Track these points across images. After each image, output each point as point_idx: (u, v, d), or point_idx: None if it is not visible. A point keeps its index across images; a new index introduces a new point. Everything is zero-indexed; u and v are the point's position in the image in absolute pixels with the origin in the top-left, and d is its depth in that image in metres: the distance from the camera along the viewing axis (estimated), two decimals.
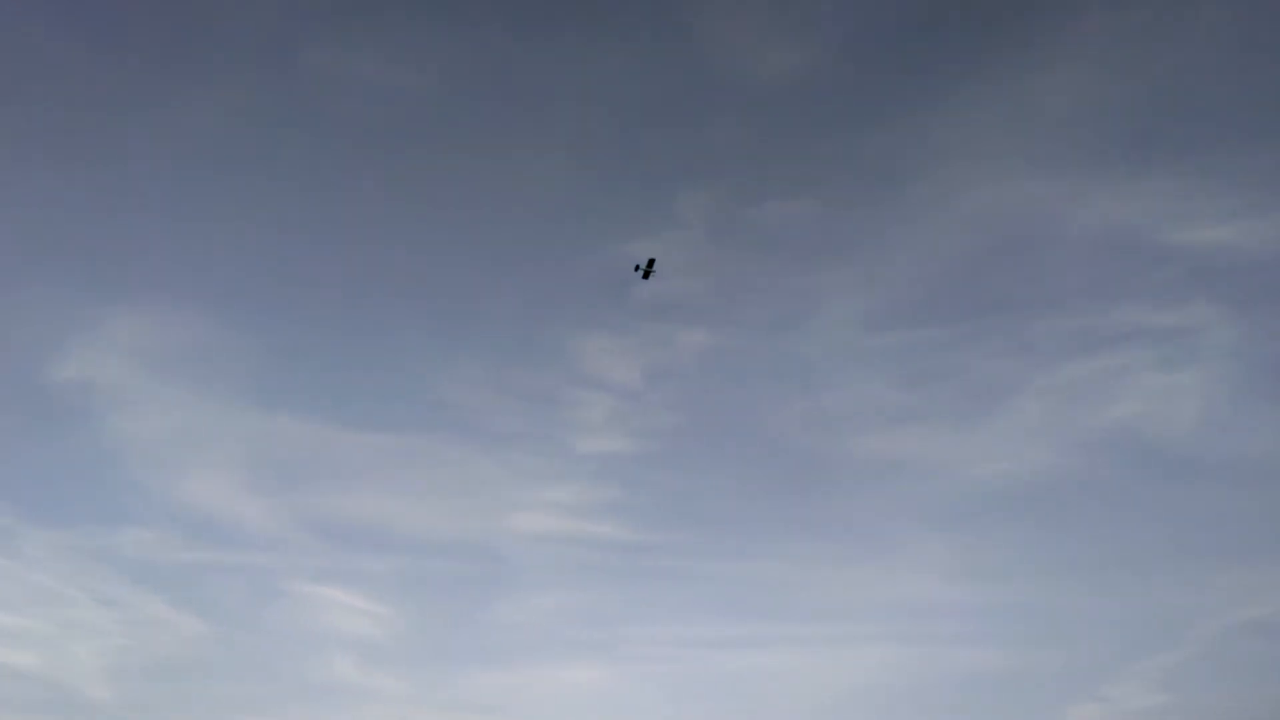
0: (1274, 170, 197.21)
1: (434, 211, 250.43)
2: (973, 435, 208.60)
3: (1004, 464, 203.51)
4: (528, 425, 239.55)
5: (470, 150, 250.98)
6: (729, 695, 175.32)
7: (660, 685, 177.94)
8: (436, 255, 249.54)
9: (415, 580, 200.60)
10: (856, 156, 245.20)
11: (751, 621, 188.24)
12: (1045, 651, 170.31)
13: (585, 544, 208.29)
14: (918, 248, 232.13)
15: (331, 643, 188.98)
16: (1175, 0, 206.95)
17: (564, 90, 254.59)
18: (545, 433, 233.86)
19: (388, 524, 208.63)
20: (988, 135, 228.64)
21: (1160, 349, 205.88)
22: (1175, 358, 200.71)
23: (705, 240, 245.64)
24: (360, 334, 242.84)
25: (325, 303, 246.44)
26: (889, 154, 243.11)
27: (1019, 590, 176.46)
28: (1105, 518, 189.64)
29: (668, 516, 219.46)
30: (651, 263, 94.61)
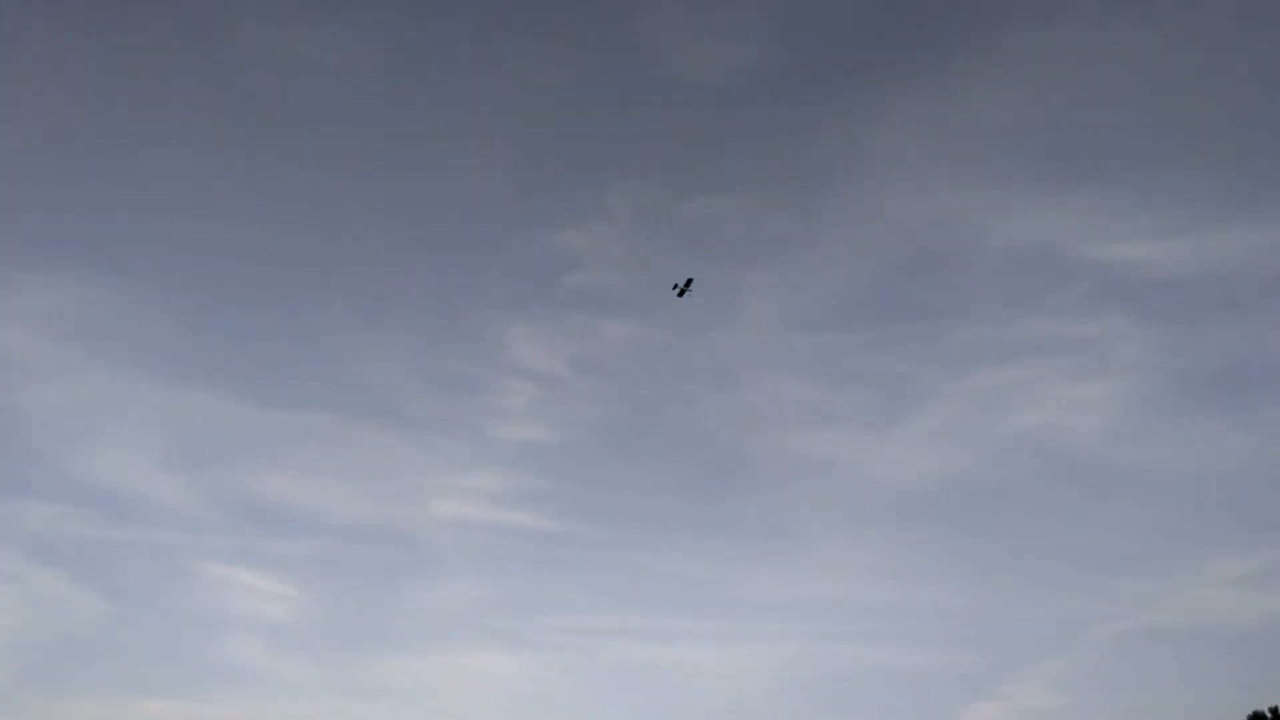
0: (1185, 191, 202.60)
1: (362, 193, 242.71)
2: (889, 438, 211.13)
3: (918, 467, 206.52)
4: (449, 410, 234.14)
5: (402, 134, 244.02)
6: (639, 687, 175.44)
7: (572, 675, 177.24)
8: (362, 236, 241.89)
9: (328, 564, 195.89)
10: (787, 158, 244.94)
11: (665, 614, 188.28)
12: (950, 650, 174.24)
13: (503, 532, 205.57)
14: (843, 252, 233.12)
15: (239, 625, 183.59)
16: (1096, 26, 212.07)
17: (500, 80, 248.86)
18: (466, 419, 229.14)
19: (302, 506, 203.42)
20: (915, 146, 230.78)
21: (1070, 360, 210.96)
22: (1084, 369, 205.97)
23: (635, 233, 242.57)
24: (281, 312, 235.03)
25: (246, 279, 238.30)
26: (819, 158, 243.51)
27: (927, 591, 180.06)
28: (1012, 523, 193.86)
29: (586, 507, 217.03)
30: (690, 282, 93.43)
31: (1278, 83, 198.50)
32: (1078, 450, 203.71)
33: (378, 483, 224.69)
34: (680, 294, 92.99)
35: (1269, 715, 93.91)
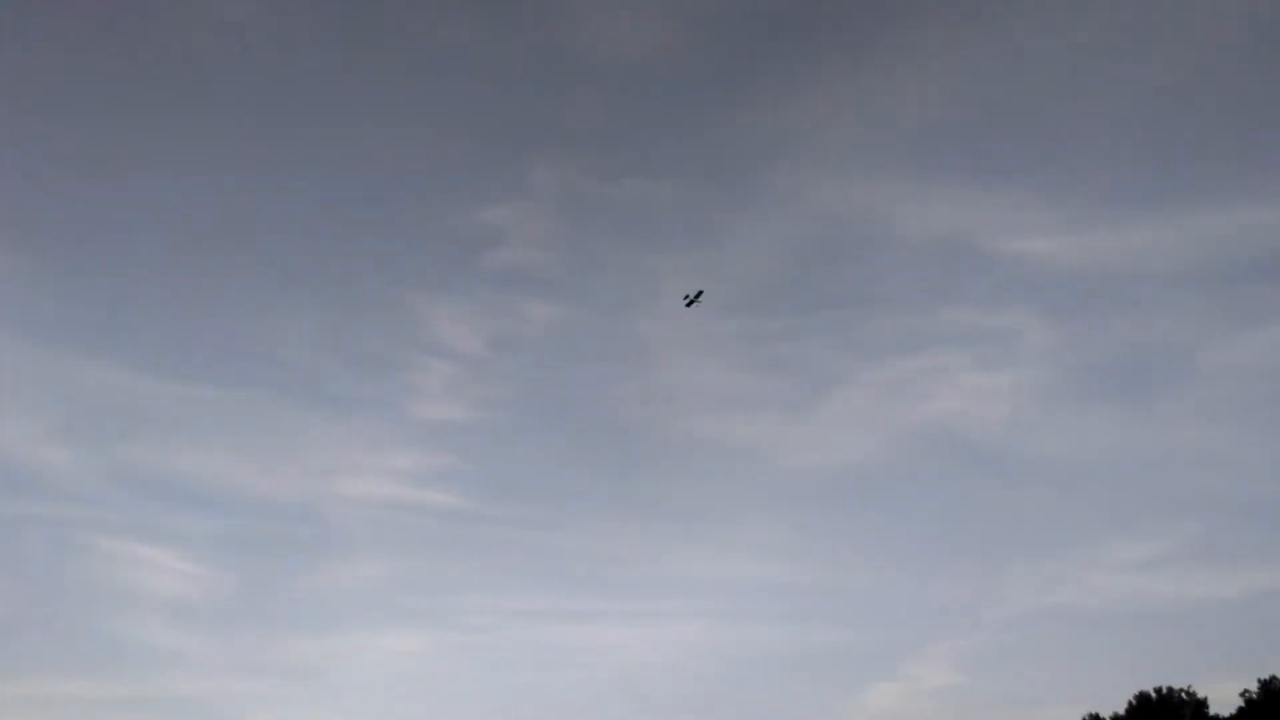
0: (1091, 188, 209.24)
1: (277, 163, 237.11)
2: (803, 423, 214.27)
3: (830, 452, 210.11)
4: (364, 388, 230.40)
5: (321, 104, 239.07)
6: (550, 666, 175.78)
7: (483, 654, 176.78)
8: (278, 207, 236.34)
9: (235, 541, 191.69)
10: (711, 144, 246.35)
11: (577, 594, 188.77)
12: (855, 630, 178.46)
13: (417, 512, 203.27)
14: (764, 239, 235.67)
15: (140, 602, 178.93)
16: (1011, 26, 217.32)
17: (425, 53, 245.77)
18: (382, 397, 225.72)
19: (208, 481, 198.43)
20: (836, 136, 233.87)
21: (978, 351, 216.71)
22: (991, 360, 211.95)
23: (557, 213, 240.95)
24: (188, 280, 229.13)
25: (151, 244, 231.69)
26: (742, 145, 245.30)
27: (835, 572, 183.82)
28: (919, 507, 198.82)
29: (502, 488, 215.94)
30: (700, 294, 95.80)
31: (1181, 87, 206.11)
32: (983, 438, 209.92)
33: (288, 459, 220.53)
34: (689, 304, 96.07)
35: (1153, 695, 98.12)
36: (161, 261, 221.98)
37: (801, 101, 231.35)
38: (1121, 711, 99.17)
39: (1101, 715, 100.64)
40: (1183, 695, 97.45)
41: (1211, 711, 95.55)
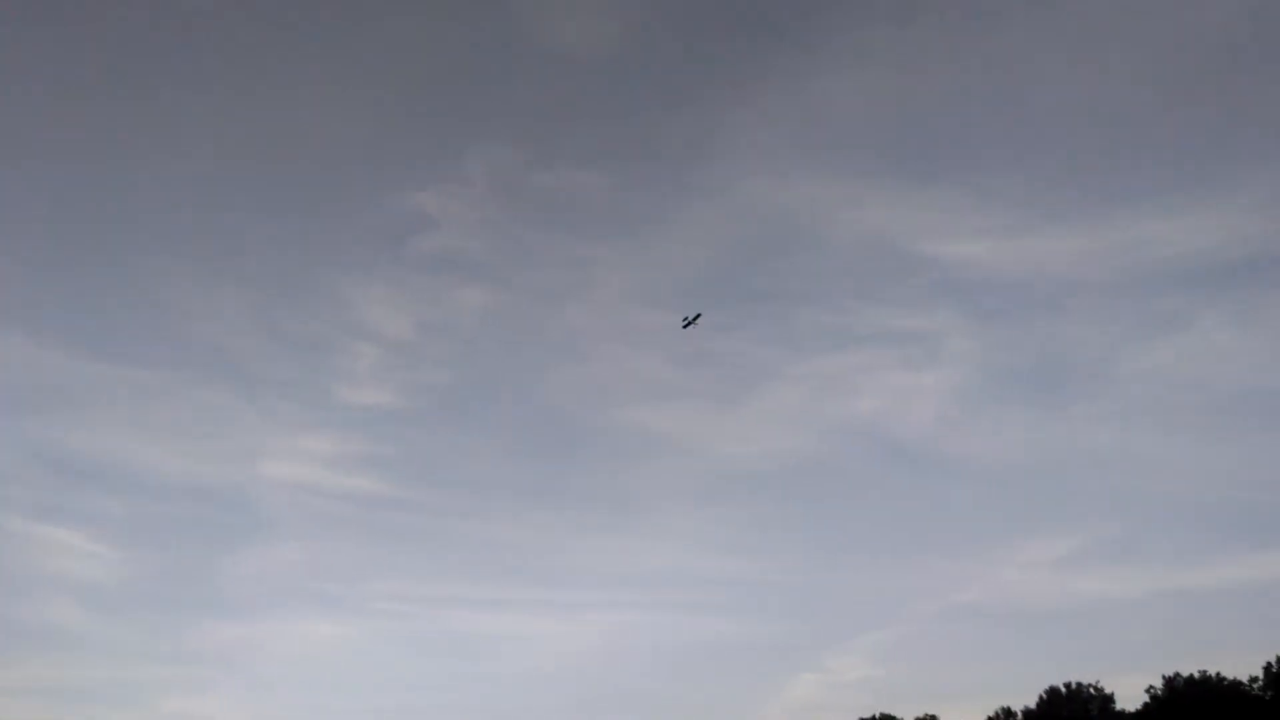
0: (1017, 196, 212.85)
1: (207, 139, 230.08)
2: (731, 416, 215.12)
3: (757, 446, 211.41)
4: (288, 370, 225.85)
5: (254, 82, 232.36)
6: (469, 655, 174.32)
7: (402, 643, 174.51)
8: (204, 183, 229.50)
9: (150, 523, 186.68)
10: (646, 136, 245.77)
11: (502, 583, 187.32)
12: (779, 623, 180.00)
13: (339, 496, 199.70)
14: (696, 232, 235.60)
15: (50, 585, 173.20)
16: (948, 31, 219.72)
17: (361, 36, 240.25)
18: (306, 379, 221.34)
19: (123, 462, 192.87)
20: (771, 133, 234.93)
21: (905, 350, 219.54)
22: (917, 360, 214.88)
23: (491, 199, 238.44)
24: (106, 255, 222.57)
25: (68, 219, 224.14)
26: (678, 138, 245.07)
27: (759, 565, 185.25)
28: (842, 503, 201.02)
29: (427, 475, 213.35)
30: (698, 316, 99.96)
31: (1111, 97, 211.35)
32: (907, 436, 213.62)
33: (208, 441, 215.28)
34: (686, 326, 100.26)
35: (1063, 690, 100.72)
36: (78, 236, 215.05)
37: (738, 99, 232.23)
38: (1032, 705, 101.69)
39: (1013, 709, 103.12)
40: (1091, 690, 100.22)
41: (1118, 706, 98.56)
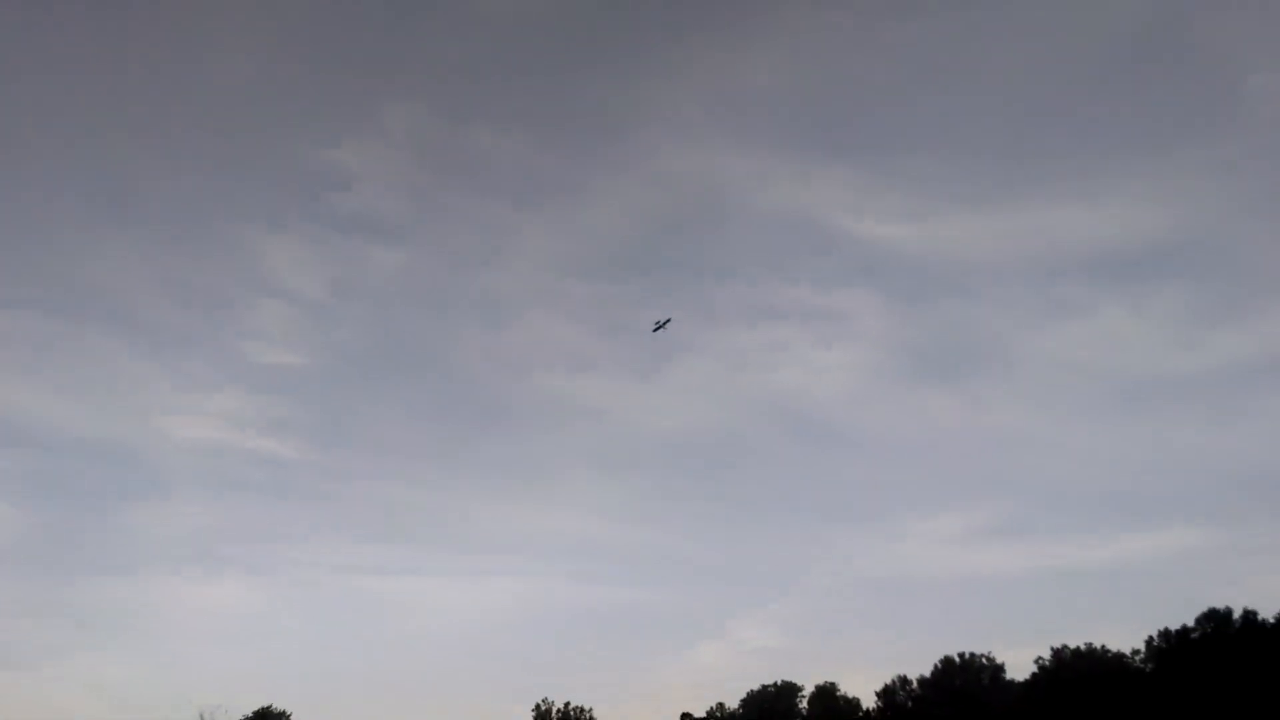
0: (932, 178, 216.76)
1: (109, 81, 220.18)
2: (647, 388, 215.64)
3: (672, 418, 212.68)
4: (193, 325, 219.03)
5: (165, 22, 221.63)
6: (377, 618, 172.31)
7: (311, 606, 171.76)
8: (103, 127, 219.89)
9: (40, 478, 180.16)
10: (569, 99, 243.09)
11: (411, 548, 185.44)
12: (685, 591, 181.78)
13: (244, 457, 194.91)
14: (617, 201, 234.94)
15: None
16: (869, 11, 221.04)
17: None
18: (213, 335, 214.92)
19: (9, 415, 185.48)
20: (693, 104, 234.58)
21: (818, 328, 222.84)
22: (829, 337, 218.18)
23: (410, 157, 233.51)
24: None
25: None
26: (600, 103, 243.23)
27: (669, 535, 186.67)
28: (752, 475, 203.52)
29: (335, 437, 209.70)
30: (668, 321, 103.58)
31: (1024, 86, 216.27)
32: (816, 412, 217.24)
33: (103, 396, 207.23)
34: (656, 330, 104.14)
35: (957, 659, 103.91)
36: None
37: (662, 65, 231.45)
38: (927, 674, 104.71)
39: (909, 677, 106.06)
40: (983, 660, 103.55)
41: (1008, 676, 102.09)
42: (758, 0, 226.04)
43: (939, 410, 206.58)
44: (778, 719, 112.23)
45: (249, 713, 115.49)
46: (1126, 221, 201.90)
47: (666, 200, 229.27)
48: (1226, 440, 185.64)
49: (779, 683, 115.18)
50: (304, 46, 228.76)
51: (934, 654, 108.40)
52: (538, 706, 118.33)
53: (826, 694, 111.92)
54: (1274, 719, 74.31)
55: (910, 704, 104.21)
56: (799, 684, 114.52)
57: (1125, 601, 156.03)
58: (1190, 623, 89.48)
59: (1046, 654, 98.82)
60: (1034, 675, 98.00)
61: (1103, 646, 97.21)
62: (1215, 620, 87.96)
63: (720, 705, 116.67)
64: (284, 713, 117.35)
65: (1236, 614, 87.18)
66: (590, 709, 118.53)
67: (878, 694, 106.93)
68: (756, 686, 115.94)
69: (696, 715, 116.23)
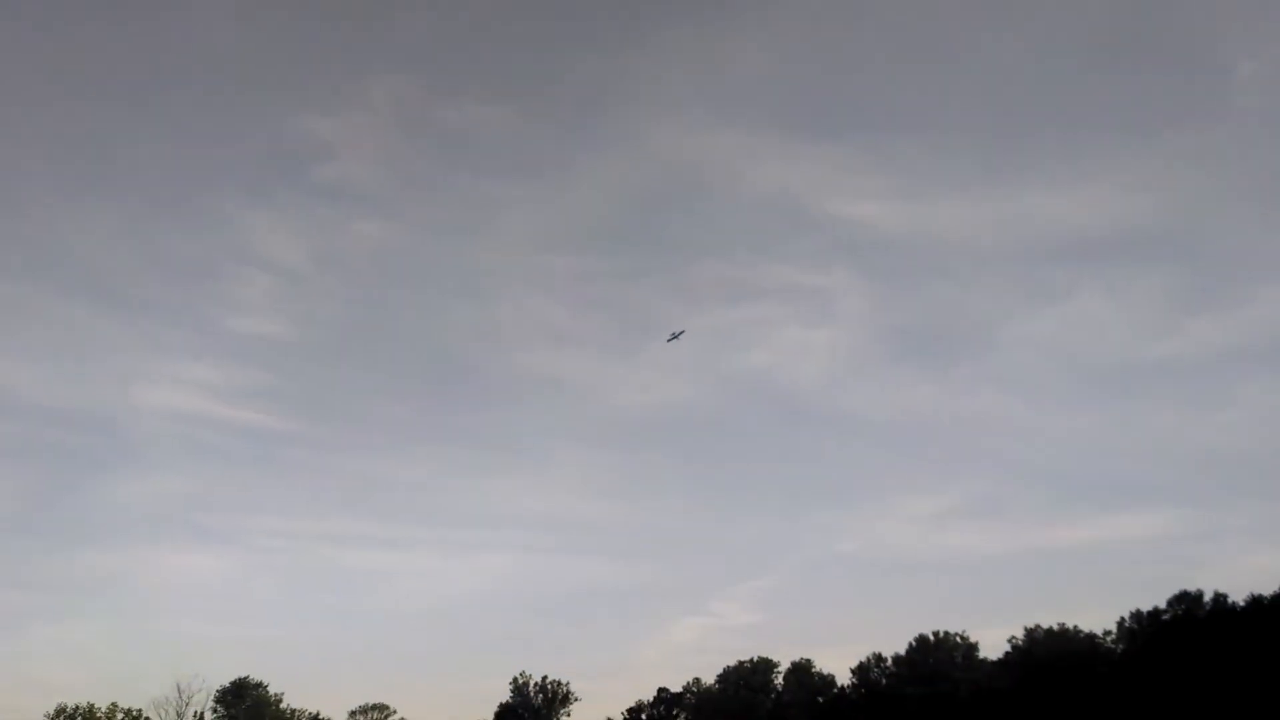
0: (917, 160, 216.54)
1: (86, 47, 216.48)
2: (628, 364, 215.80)
3: (653, 395, 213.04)
4: (171, 293, 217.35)
5: None
6: (353, 591, 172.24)
7: (286, 577, 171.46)
8: (83, 95, 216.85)
9: (13, 446, 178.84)
10: (554, 75, 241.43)
11: (388, 521, 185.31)
12: (666, 568, 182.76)
13: (222, 427, 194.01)
14: (601, 177, 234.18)
15: None
16: None
17: None
18: (191, 304, 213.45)
19: None
20: (680, 82, 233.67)
21: (799, 307, 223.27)
22: (811, 317, 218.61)
23: (393, 129, 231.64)
24: None
25: None
26: (586, 80, 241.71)
27: (650, 511, 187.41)
28: (733, 453, 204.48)
29: (316, 408, 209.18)
30: (682, 333, 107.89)
31: (1011, 70, 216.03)
32: (796, 391, 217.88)
33: (78, 364, 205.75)
34: (670, 340, 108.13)
35: (931, 638, 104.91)
36: None
37: (648, 46, 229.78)
38: (902, 652, 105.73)
39: (884, 655, 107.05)
40: (957, 639, 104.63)
41: (981, 655, 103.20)
42: None
43: (918, 391, 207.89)
44: (754, 694, 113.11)
45: (226, 683, 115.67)
46: (1110, 207, 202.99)
47: (650, 177, 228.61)
48: (1202, 425, 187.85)
49: (755, 659, 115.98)
50: (287, 15, 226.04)
51: (909, 632, 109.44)
52: (515, 680, 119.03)
53: (802, 670, 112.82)
54: (1242, 701, 75.43)
55: (884, 681, 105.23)
56: (775, 660, 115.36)
57: (1099, 583, 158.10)
58: (1161, 605, 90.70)
59: (1019, 633, 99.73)
60: (1006, 655, 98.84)
61: (1075, 627, 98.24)
62: (1186, 602, 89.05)
63: (696, 680, 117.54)
64: (261, 683, 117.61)
65: (1207, 596, 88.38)
66: (568, 683, 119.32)
67: (852, 671, 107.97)
68: (733, 662, 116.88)
69: (673, 690, 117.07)
